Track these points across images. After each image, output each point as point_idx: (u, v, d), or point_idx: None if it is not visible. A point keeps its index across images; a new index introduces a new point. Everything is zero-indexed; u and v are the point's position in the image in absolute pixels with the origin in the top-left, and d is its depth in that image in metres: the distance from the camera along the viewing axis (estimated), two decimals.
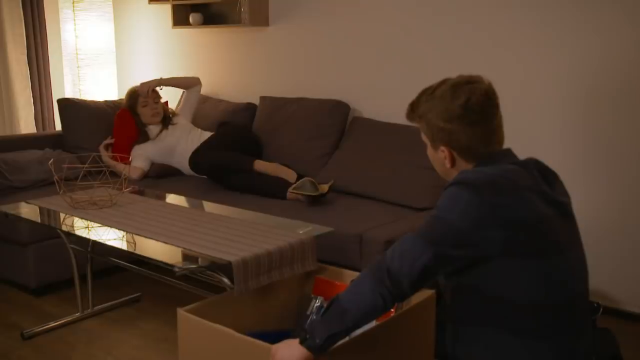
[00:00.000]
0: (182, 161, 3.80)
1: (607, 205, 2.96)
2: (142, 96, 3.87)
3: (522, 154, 1.66)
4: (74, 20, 4.60)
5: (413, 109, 1.70)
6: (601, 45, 2.87)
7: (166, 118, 3.96)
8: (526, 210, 1.49)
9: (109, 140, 3.88)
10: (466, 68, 3.26)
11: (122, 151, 3.87)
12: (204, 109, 4.19)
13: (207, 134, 3.85)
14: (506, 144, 1.67)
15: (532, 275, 1.48)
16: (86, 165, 3.21)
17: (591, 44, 2.89)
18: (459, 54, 3.29)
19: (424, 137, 1.72)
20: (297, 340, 1.60)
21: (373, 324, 2.08)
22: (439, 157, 1.69)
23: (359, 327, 1.60)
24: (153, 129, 3.91)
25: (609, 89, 2.88)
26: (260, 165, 3.45)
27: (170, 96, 4.45)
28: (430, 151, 1.72)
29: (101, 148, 3.84)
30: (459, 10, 3.26)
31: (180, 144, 3.84)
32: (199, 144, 3.73)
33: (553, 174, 1.67)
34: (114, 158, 3.73)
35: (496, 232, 1.46)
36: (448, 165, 1.67)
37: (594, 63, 2.90)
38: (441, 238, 1.50)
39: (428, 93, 1.67)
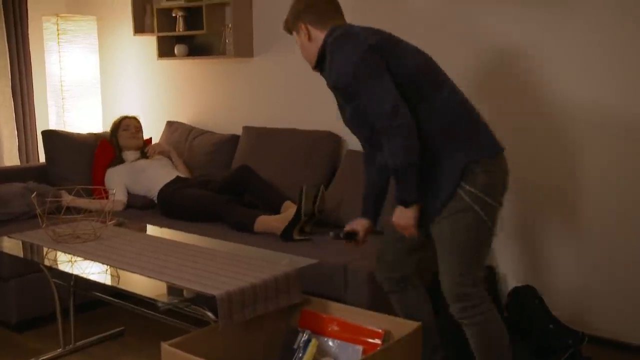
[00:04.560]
0: (148, 184, 3.81)
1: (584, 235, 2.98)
2: (149, 152, 3.98)
3: None
4: (59, 52, 4.60)
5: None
6: None
7: (144, 150, 4.04)
8: None
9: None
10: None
11: (100, 182, 3.89)
12: (188, 141, 4.20)
13: (179, 173, 3.89)
14: None
15: None
16: (69, 199, 3.19)
17: None
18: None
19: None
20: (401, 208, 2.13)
21: (360, 357, 2.07)
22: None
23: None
24: (129, 155, 3.96)
25: None
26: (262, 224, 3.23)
27: (154, 133, 4.47)
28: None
29: (70, 197, 3.57)
30: (447, 39, 3.31)
31: (153, 165, 3.89)
32: (169, 172, 3.83)
33: None
34: (94, 191, 3.73)
35: None
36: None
37: None
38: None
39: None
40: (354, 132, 2.34)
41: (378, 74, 2.08)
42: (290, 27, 2.34)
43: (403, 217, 2.15)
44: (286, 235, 3.05)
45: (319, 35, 2.25)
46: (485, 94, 3.13)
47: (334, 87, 2.24)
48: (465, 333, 2.22)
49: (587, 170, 2.95)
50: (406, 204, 2.13)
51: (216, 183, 3.65)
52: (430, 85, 2.17)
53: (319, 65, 2.31)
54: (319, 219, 3.15)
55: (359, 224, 2.41)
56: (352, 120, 2.26)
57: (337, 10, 2.31)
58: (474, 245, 2.15)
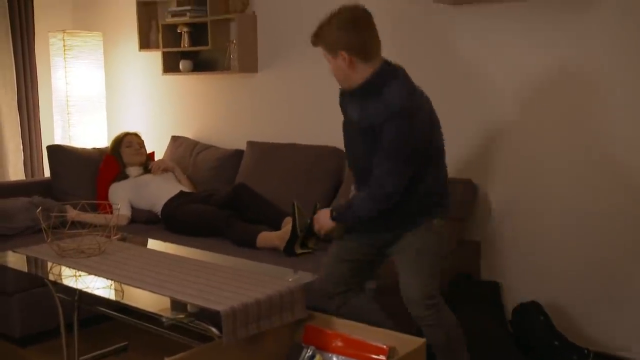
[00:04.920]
0: (152, 199, 3.83)
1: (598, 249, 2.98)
2: (153, 168, 4.00)
3: None
4: (65, 67, 4.64)
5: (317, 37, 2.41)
6: None
7: (147, 166, 4.06)
8: None
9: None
10: (457, 107, 3.32)
11: (105, 197, 3.91)
12: (192, 156, 4.22)
13: (182, 187, 3.90)
14: None
15: None
16: (74, 213, 3.20)
17: None
18: (449, 93, 3.34)
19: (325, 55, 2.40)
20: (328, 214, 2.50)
21: None
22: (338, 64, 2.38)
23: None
24: (133, 171, 3.98)
25: None
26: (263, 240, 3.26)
27: (159, 148, 4.49)
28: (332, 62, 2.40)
29: (74, 212, 3.58)
30: (449, 49, 3.32)
31: (156, 180, 3.91)
32: (172, 187, 3.85)
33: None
34: (99, 206, 3.74)
35: None
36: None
37: None
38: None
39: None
40: (351, 154, 2.54)
41: (411, 143, 2.31)
42: (328, 49, 2.41)
43: (327, 220, 2.52)
44: (288, 251, 3.06)
45: (364, 68, 2.37)
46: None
47: (373, 123, 2.33)
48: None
49: (597, 185, 2.96)
50: (336, 220, 2.49)
51: (218, 198, 3.66)
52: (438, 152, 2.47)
53: (358, 91, 2.40)
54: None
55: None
56: (356, 146, 2.47)
57: (380, 45, 2.42)
58: (439, 257, 2.48)
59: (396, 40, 3.36)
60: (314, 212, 2.89)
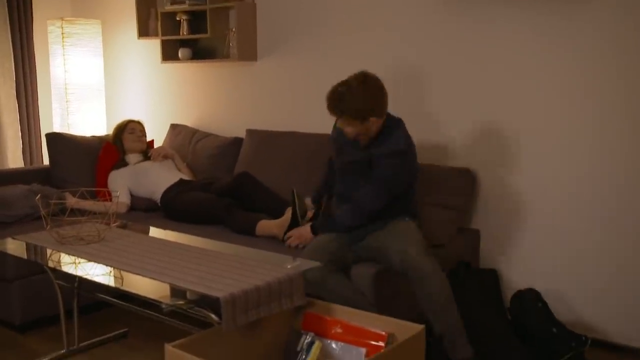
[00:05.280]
0: (151, 187, 3.82)
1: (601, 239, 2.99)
2: (153, 155, 3.99)
3: None
4: (64, 55, 4.63)
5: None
6: None
7: (147, 153, 4.05)
8: None
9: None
10: (455, 97, 3.31)
11: (104, 184, 3.91)
12: (191, 144, 4.22)
13: (182, 175, 3.90)
14: None
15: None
16: (73, 201, 3.20)
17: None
18: (448, 84, 3.34)
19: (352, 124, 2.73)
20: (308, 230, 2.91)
21: (362, 359, 2.07)
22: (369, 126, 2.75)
23: None
24: (132, 158, 3.98)
25: None
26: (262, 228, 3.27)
27: (158, 136, 4.48)
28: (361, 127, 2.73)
29: (73, 200, 3.58)
30: (447, 40, 3.32)
31: (156, 168, 3.90)
32: (172, 174, 3.84)
33: None
34: (98, 194, 3.74)
35: None
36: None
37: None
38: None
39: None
40: (345, 174, 2.93)
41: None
42: (357, 116, 2.71)
43: (306, 237, 2.91)
44: (293, 220, 3.08)
45: (380, 122, 2.78)
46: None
47: (387, 153, 2.75)
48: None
49: (596, 176, 2.96)
50: (316, 233, 2.89)
51: (218, 186, 3.66)
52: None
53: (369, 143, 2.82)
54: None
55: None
56: (351, 180, 2.88)
57: None
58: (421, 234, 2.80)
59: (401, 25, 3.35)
60: (293, 199, 3.08)
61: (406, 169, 2.78)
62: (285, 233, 3.07)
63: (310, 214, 3.14)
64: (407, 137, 2.81)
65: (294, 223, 3.06)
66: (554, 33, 2.98)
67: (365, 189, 2.76)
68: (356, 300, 2.59)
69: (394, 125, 2.82)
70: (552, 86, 3.02)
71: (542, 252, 3.11)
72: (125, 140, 4.02)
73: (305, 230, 2.94)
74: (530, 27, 3.04)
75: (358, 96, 2.67)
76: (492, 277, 3.13)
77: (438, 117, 3.37)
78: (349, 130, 2.76)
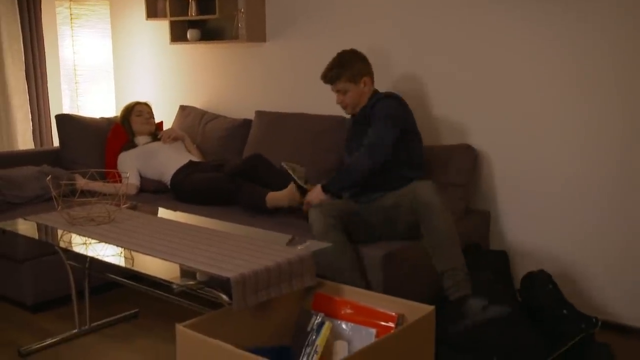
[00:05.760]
0: (161, 168, 3.82)
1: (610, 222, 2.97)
2: (163, 137, 3.97)
3: None
4: (72, 36, 4.62)
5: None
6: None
7: (156, 135, 4.05)
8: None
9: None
10: (471, 77, 3.29)
11: (113, 165, 3.91)
12: (200, 125, 4.21)
13: (191, 157, 3.90)
14: None
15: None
16: (84, 182, 3.21)
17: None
18: (462, 66, 3.32)
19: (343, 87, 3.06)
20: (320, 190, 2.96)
21: (373, 340, 2.07)
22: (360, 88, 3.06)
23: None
24: (141, 140, 3.98)
25: None
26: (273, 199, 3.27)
27: (167, 118, 4.48)
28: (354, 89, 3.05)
29: (83, 181, 3.62)
30: (462, 23, 3.28)
31: (165, 149, 3.90)
32: (181, 156, 3.84)
33: None
34: (107, 175, 3.74)
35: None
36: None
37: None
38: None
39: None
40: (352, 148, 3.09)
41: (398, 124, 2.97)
42: (351, 79, 3.05)
43: (317, 196, 2.94)
44: (301, 190, 3.14)
45: (369, 90, 3.10)
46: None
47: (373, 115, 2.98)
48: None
49: (606, 156, 2.94)
50: (327, 192, 2.94)
51: (229, 168, 3.65)
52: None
53: (361, 113, 3.09)
54: None
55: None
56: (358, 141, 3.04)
57: None
58: None
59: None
60: (287, 172, 3.17)
61: (405, 110, 3.01)
62: (297, 187, 3.15)
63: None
64: (400, 100, 3.03)
65: (302, 192, 3.08)
66: (568, 17, 2.94)
67: (373, 129, 2.93)
68: (352, 277, 2.67)
69: (387, 95, 3.04)
70: (559, 62, 2.98)
71: (553, 232, 3.10)
72: (134, 122, 4.01)
73: (316, 190, 2.97)
74: (543, 14, 3.00)
75: (346, 59, 3.07)
76: (502, 259, 3.12)
77: (447, 97, 3.35)
78: (348, 97, 3.08)
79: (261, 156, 3.55)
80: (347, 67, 3.05)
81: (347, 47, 3.33)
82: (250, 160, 3.55)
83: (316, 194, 2.96)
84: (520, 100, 3.13)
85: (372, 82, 3.10)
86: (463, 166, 3.19)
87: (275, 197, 3.22)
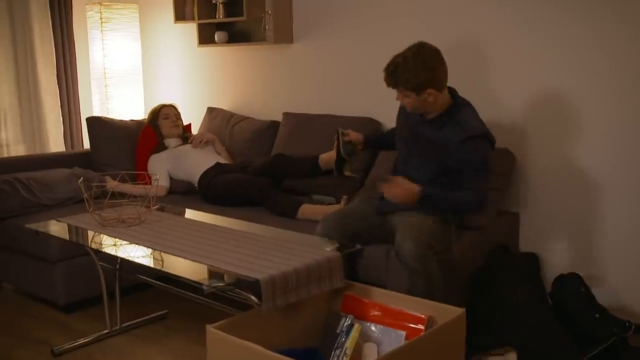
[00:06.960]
0: (190, 170, 3.85)
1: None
2: (194, 142, 4.00)
3: None
4: (102, 40, 4.68)
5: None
6: None
7: (186, 137, 4.08)
8: None
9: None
10: (503, 77, 3.25)
11: (143, 167, 3.96)
12: (228, 127, 4.24)
13: (219, 158, 3.92)
14: None
15: None
16: (114, 184, 3.24)
17: None
18: (491, 65, 3.29)
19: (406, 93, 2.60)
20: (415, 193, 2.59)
21: (402, 342, 2.06)
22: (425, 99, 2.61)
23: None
24: (172, 142, 4.02)
25: None
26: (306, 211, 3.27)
27: (195, 120, 4.51)
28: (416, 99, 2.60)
29: (114, 183, 3.62)
30: (485, 23, 3.25)
31: (194, 151, 3.93)
32: (210, 158, 3.86)
33: None
34: (137, 177, 3.78)
35: None
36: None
37: None
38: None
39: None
40: (405, 165, 2.81)
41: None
42: (412, 89, 2.58)
43: (407, 196, 2.59)
44: (337, 169, 3.04)
45: (441, 97, 2.64)
46: None
47: (449, 141, 2.63)
48: None
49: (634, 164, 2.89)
50: (423, 198, 2.59)
51: (254, 167, 3.68)
52: None
53: (437, 119, 2.68)
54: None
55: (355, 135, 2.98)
56: (415, 159, 2.77)
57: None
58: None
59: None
60: (337, 136, 3.00)
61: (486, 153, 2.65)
62: (334, 169, 3.04)
63: (360, 147, 3.06)
64: (478, 118, 2.70)
65: (340, 159, 3.01)
66: (607, 17, 2.89)
67: (476, 177, 2.60)
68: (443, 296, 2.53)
69: (462, 103, 2.70)
70: (596, 64, 2.94)
71: (585, 235, 3.05)
72: (162, 126, 4.05)
73: (410, 190, 2.59)
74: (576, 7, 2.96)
75: (411, 67, 2.54)
76: (533, 261, 3.08)
77: (478, 98, 3.32)
78: (406, 102, 2.65)
79: (283, 155, 3.58)
80: (408, 75, 2.57)
81: (375, 48, 3.30)
82: (273, 162, 3.58)
83: (407, 192, 2.58)
84: (551, 102, 3.09)
85: (442, 90, 2.63)
86: (501, 171, 3.12)
87: (310, 210, 3.22)
